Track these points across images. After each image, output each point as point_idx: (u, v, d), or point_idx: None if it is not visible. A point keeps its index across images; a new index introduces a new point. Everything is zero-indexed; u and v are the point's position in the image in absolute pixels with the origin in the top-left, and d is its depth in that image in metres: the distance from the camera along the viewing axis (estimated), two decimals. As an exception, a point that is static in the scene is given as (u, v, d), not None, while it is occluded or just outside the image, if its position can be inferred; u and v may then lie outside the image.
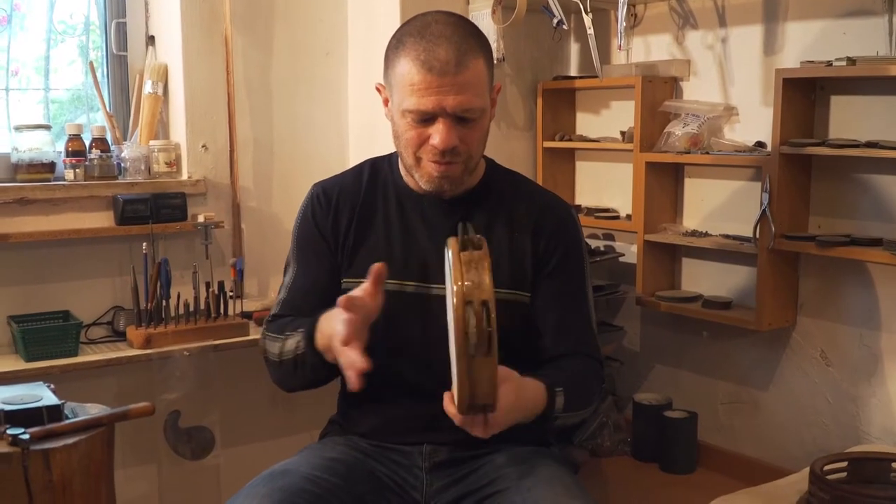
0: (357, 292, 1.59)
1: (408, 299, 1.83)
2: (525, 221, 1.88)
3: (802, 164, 2.49)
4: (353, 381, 1.54)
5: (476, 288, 1.42)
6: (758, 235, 2.50)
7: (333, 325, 1.62)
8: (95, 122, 2.93)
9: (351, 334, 1.56)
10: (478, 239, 1.48)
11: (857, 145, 2.31)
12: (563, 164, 3.25)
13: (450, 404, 1.55)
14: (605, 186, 3.17)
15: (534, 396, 1.67)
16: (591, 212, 3.10)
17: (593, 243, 3.17)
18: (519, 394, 1.61)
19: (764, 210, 2.46)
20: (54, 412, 1.93)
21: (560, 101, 3.20)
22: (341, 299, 1.57)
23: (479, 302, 1.42)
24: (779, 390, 2.69)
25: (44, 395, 1.98)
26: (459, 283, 1.42)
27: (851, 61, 2.28)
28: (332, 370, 1.75)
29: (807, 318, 2.60)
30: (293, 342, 1.79)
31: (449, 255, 1.49)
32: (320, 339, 1.72)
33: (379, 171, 1.97)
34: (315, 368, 1.78)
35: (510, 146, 3.16)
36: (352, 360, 1.54)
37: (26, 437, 1.82)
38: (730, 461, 2.78)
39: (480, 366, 1.43)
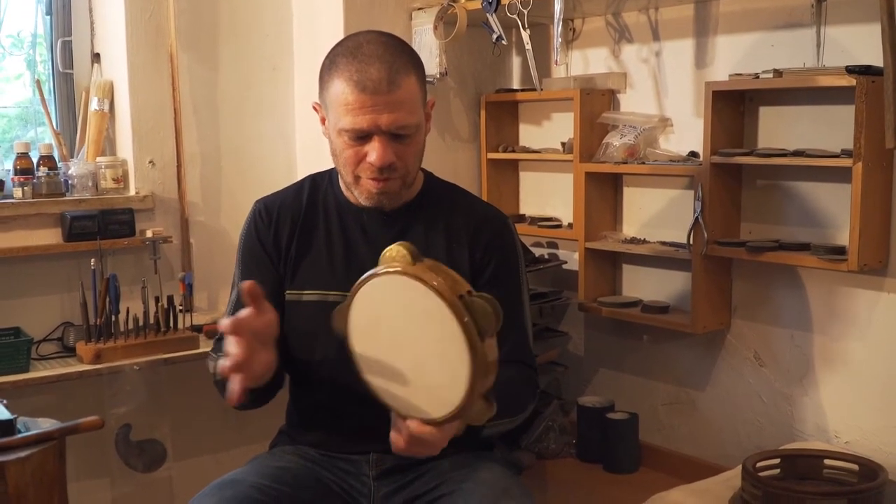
0: (241, 313, 1.57)
1: (351, 310, 1.88)
2: (462, 232, 1.93)
3: (733, 172, 2.58)
4: (230, 399, 1.56)
5: (456, 283, 1.46)
6: (692, 242, 2.58)
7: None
8: (42, 136, 2.95)
9: (242, 357, 1.54)
10: (417, 253, 1.51)
11: (784, 154, 2.39)
12: (507, 175, 3.32)
13: (422, 426, 1.53)
14: (548, 196, 3.24)
15: None
16: (534, 221, 3.17)
17: (537, 251, 3.25)
18: None
19: (697, 217, 2.54)
20: (7, 427, 1.95)
21: (503, 113, 3.27)
22: (224, 325, 1.56)
23: (466, 292, 1.45)
24: (715, 391, 2.78)
25: (-4, 410, 2.01)
26: (436, 283, 1.44)
27: (778, 73, 2.37)
28: (259, 392, 1.76)
29: (740, 320, 2.69)
30: (213, 365, 1.78)
31: (393, 276, 1.49)
32: None
33: (319, 186, 2.01)
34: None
35: (455, 158, 3.22)
36: (231, 391, 1.55)
37: (-20, 450, 1.86)
38: (670, 460, 2.85)
39: (491, 347, 1.46)
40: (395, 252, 1.51)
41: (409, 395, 1.57)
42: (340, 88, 1.76)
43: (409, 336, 1.53)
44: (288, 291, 1.94)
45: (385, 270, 1.51)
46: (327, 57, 1.84)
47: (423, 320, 1.48)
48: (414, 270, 1.47)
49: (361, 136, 1.78)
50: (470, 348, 1.43)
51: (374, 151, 1.77)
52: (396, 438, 1.58)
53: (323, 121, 1.89)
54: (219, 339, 1.94)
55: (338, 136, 1.81)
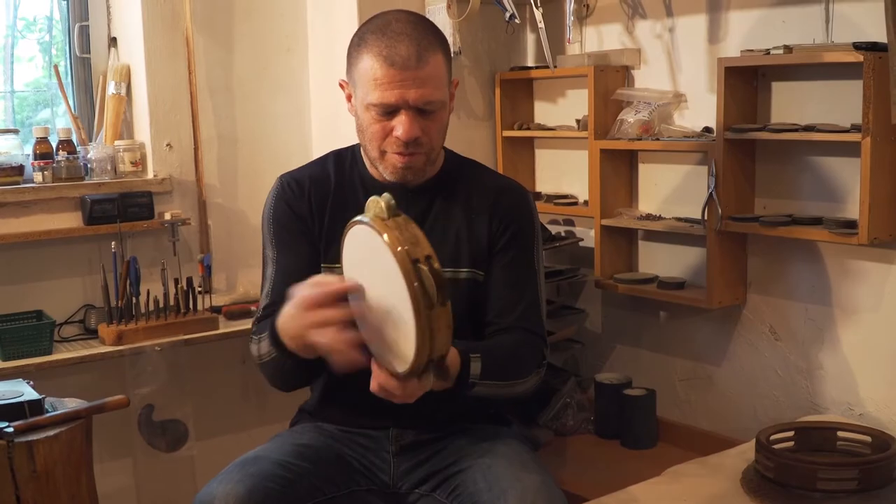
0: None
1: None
2: (482, 205, 1.97)
3: (746, 148, 2.58)
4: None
5: (416, 245, 1.49)
6: (706, 218, 2.59)
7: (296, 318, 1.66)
8: (57, 116, 2.98)
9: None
10: (394, 208, 1.54)
11: (795, 129, 2.39)
12: (522, 152, 3.32)
13: (389, 378, 1.59)
14: (564, 173, 3.25)
15: (451, 362, 1.70)
16: (550, 198, 3.17)
17: (554, 229, 3.26)
18: None
19: (711, 193, 2.55)
20: (35, 406, 2.00)
21: (518, 90, 3.27)
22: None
23: (423, 258, 1.48)
24: (731, 365, 2.79)
25: (24, 391, 2.05)
26: (399, 247, 1.47)
27: (788, 49, 2.37)
28: (316, 366, 1.76)
29: (755, 295, 2.69)
30: (266, 346, 1.81)
31: (366, 227, 1.54)
32: (288, 341, 1.71)
33: (343, 161, 2.04)
34: (297, 369, 1.80)
35: (470, 136, 3.22)
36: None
37: (10, 430, 1.90)
38: (688, 435, 2.86)
39: (439, 316, 1.49)
40: (374, 203, 1.55)
41: (380, 342, 1.61)
42: (369, 64, 1.80)
43: (380, 287, 1.57)
44: (323, 265, 1.96)
45: (360, 220, 1.57)
46: (356, 34, 1.87)
47: (387, 276, 1.51)
48: (381, 226, 1.51)
49: (389, 111, 1.82)
50: (415, 313, 1.47)
51: (400, 125, 1.81)
52: (371, 381, 1.63)
53: (349, 97, 1.93)
54: (259, 320, 1.94)
55: (365, 112, 1.84)
